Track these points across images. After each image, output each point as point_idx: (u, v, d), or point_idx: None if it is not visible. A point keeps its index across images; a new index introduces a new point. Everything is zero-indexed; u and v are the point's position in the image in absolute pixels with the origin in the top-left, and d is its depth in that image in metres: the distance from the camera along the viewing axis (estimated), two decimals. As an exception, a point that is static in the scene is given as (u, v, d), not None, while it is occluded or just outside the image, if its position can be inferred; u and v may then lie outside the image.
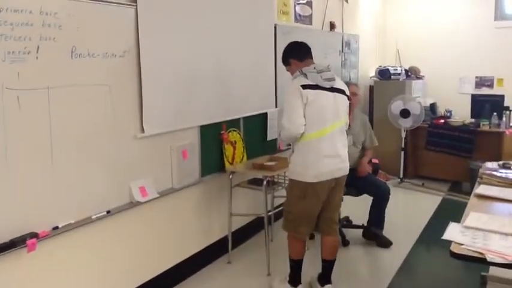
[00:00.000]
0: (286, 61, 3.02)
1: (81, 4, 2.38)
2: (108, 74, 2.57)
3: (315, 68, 2.81)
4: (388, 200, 3.90)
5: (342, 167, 2.88)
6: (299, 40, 3.07)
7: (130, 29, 2.69)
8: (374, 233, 3.91)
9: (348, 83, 3.21)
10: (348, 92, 2.97)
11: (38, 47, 2.18)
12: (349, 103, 3.04)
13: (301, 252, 3.01)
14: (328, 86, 2.80)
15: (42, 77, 2.21)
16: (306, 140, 2.77)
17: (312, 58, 2.95)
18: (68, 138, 2.37)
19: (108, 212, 2.63)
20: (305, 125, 2.73)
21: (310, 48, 2.98)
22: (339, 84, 2.90)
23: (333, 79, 2.84)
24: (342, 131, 2.91)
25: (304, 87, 2.73)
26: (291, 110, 2.76)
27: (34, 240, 2.19)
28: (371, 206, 3.93)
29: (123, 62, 2.67)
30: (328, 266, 3.06)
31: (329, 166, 2.80)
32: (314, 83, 2.75)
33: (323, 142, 2.78)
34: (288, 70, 3.03)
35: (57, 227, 2.34)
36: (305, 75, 2.78)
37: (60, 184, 2.35)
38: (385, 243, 3.84)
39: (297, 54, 2.95)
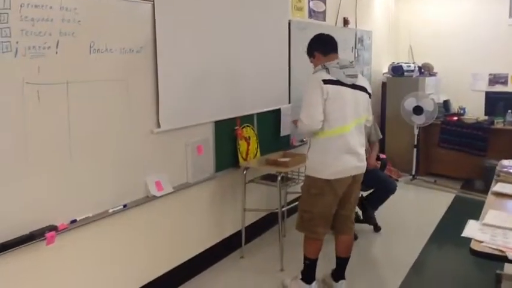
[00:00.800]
0: (310, 53, 2.95)
1: (99, 0, 2.40)
2: (125, 69, 2.59)
3: (338, 63, 2.75)
4: (393, 193, 3.99)
5: (359, 165, 2.83)
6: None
7: (147, 25, 2.71)
8: (369, 215, 4.06)
9: None
10: (369, 89, 2.89)
11: (58, 42, 2.20)
12: None
13: (318, 251, 2.96)
14: (349, 83, 2.73)
15: (61, 71, 2.24)
16: (326, 136, 2.72)
17: (337, 53, 2.88)
18: (85, 132, 2.39)
19: (124, 206, 2.65)
20: (324, 121, 2.68)
21: (336, 43, 2.91)
22: (361, 81, 2.83)
23: (355, 76, 2.77)
24: (360, 129, 2.84)
25: (325, 82, 2.67)
26: (311, 105, 2.68)
27: (53, 232, 2.22)
28: (375, 189, 4.03)
29: (140, 58, 2.68)
30: (342, 263, 3.06)
31: (348, 163, 2.75)
32: (335, 79, 2.69)
33: (342, 139, 2.72)
34: (311, 62, 2.97)
35: (75, 220, 2.37)
36: (327, 70, 2.71)
37: (78, 178, 2.37)
38: (376, 228, 4.10)
39: (323, 48, 2.88)
